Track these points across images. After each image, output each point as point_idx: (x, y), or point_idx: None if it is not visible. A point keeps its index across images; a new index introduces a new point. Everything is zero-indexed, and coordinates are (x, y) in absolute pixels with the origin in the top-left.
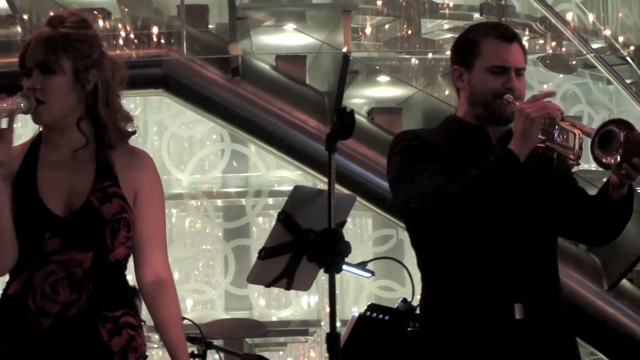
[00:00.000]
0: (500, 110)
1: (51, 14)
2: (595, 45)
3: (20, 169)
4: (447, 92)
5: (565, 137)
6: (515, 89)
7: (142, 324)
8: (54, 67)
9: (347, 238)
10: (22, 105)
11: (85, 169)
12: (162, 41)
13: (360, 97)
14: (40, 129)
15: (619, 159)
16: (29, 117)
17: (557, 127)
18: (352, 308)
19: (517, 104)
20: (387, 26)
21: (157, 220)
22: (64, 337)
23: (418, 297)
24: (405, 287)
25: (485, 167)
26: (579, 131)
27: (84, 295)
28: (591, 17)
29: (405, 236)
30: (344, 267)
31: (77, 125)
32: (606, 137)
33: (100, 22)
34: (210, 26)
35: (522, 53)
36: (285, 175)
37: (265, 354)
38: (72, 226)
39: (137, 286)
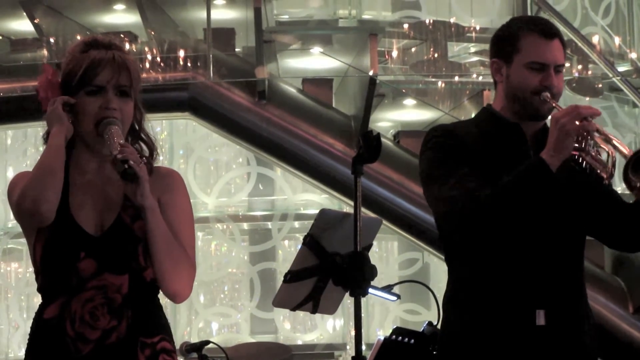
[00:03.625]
0: (537, 107)
1: (78, 37)
2: (621, 69)
3: None
4: (473, 115)
5: (598, 151)
6: (553, 86)
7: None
8: (129, 92)
9: (372, 261)
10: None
11: (115, 189)
12: (189, 64)
13: (387, 121)
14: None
15: None
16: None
17: (591, 140)
18: (378, 331)
19: (554, 103)
20: (413, 49)
21: (188, 238)
22: None
23: None
24: (431, 311)
25: (517, 176)
26: (613, 149)
27: (123, 322)
28: (617, 41)
29: (431, 259)
30: (370, 290)
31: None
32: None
33: (127, 46)
34: (236, 49)
35: (563, 50)
36: (311, 198)
37: None
38: (106, 245)
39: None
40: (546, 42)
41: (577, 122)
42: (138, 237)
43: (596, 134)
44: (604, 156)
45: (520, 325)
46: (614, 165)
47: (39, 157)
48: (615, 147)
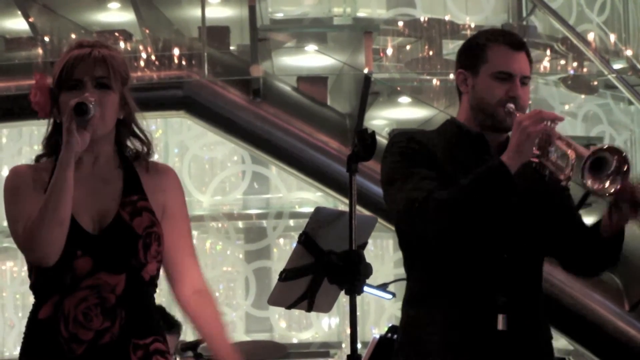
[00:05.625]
0: (502, 120)
1: (72, 36)
2: (616, 66)
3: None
4: None
5: (559, 155)
6: (519, 97)
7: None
8: (109, 83)
9: (368, 259)
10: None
11: (112, 185)
12: (183, 63)
13: (382, 118)
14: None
15: (607, 188)
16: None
17: (553, 144)
18: (373, 330)
19: (517, 114)
20: (408, 47)
21: (188, 234)
22: None
23: None
24: None
25: (475, 176)
26: (574, 152)
27: (117, 323)
28: (613, 38)
29: None
30: (365, 288)
31: (115, 142)
32: (598, 162)
33: (122, 44)
34: (231, 48)
35: (529, 62)
36: (306, 196)
37: None
38: (104, 243)
39: (162, 305)
40: (513, 53)
41: (539, 126)
42: (138, 233)
43: (557, 140)
44: (564, 162)
45: (482, 329)
46: (572, 169)
47: (33, 157)
48: (575, 149)
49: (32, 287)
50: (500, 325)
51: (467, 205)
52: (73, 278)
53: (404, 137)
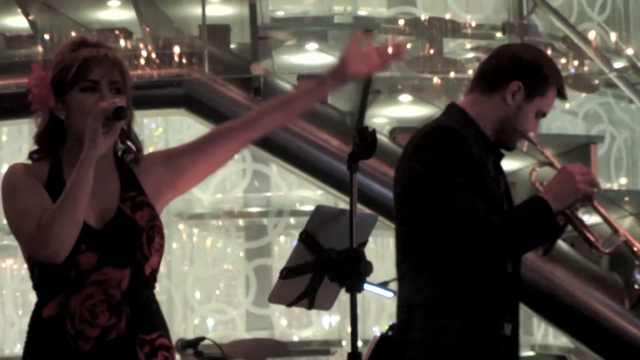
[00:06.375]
0: (515, 144)
1: (73, 34)
2: (617, 65)
3: (50, 186)
4: None
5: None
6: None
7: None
8: (122, 88)
9: (368, 257)
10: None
11: (110, 182)
12: (184, 61)
13: (383, 117)
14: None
15: None
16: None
17: (584, 206)
18: (374, 328)
19: (537, 145)
20: (409, 46)
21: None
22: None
23: None
24: None
25: (527, 217)
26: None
27: (123, 319)
28: (613, 37)
29: None
30: (366, 286)
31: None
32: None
33: (122, 42)
34: (231, 46)
35: None
36: (307, 195)
37: None
38: (108, 237)
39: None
40: (555, 100)
41: (588, 188)
42: (141, 226)
43: (596, 204)
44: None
45: (494, 335)
46: (623, 244)
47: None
48: (606, 220)
49: (35, 287)
50: (507, 331)
51: (519, 242)
52: (78, 274)
53: (449, 133)
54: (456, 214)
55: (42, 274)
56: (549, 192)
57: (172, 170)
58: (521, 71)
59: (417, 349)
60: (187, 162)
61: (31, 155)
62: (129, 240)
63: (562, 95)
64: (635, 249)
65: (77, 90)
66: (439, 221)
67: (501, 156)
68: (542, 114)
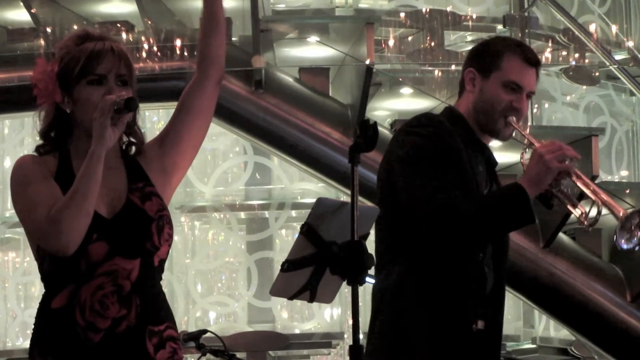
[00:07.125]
0: (500, 130)
1: (75, 27)
2: (618, 57)
3: (59, 178)
4: None
5: (570, 187)
6: (521, 110)
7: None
8: (129, 81)
9: (370, 250)
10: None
11: (117, 174)
12: (185, 54)
13: (384, 109)
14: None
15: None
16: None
17: (565, 180)
18: None
19: (518, 127)
20: (410, 38)
21: None
22: (114, 351)
23: None
24: None
25: (496, 200)
26: (592, 195)
27: (132, 310)
28: (614, 29)
29: None
30: (367, 279)
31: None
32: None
33: (124, 35)
34: (233, 39)
35: (536, 80)
36: (309, 187)
37: None
38: (119, 227)
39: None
40: (527, 67)
41: (562, 164)
42: (151, 216)
43: (576, 179)
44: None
45: (460, 328)
46: (599, 213)
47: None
48: (594, 192)
49: (44, 278)
50: (479, 325)
51: (488, 226)
52: (88, 264)
53: (434, 124)
54: (426, 195)
55: (52, 265)
56: (524, 177)
57: (168, 148)
58: (471, 59)
59: (376, 334)
60: (178, 129)
61: (38, 149)
62: (139, 230)
63: (527, 59)
64: (615, 212)
65: (84, 83)
66: (408, 203)
67: (495, 164)
68: (514, 84)
